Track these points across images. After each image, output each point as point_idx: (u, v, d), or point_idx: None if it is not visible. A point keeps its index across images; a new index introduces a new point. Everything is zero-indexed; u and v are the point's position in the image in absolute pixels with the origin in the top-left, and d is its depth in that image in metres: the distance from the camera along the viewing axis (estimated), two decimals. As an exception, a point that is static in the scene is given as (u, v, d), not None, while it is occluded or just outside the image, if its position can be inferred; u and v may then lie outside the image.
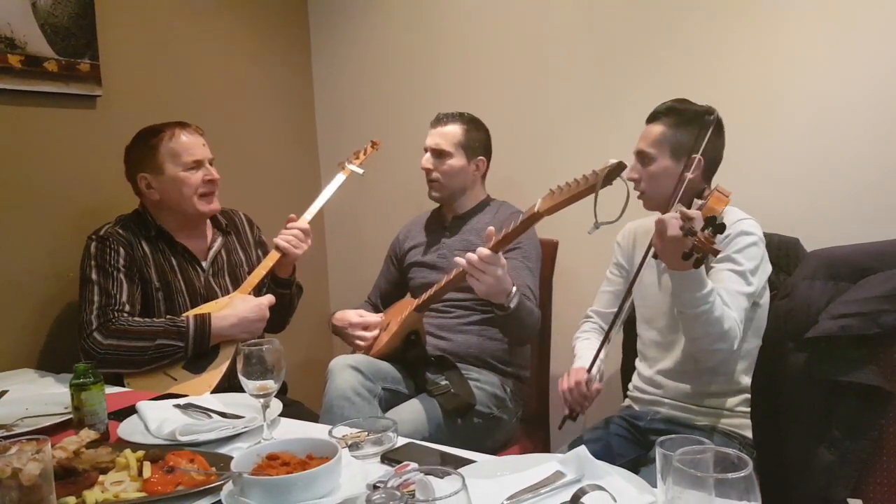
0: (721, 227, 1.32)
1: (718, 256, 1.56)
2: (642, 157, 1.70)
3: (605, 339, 1.77)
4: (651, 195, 1.72)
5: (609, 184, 1.41)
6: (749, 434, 1.61)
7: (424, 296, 1.86)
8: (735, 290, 1.55)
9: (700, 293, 1.46)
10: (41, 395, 1.62)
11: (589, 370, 1.72)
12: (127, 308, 1.79)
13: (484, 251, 1.62)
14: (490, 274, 1.62)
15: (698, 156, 1.61)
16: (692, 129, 1.65)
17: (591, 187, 1.42)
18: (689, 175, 1.60)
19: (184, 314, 1.83)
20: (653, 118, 1.71)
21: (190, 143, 1.88)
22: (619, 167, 1.40)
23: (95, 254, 1.82)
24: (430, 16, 2.60)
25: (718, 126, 1.67)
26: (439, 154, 2.07)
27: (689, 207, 1.49)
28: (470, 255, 1.63)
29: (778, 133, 1.99)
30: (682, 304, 1.51)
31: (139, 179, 1.89)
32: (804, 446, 1.30)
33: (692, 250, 1.32)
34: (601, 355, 1.76)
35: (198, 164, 1.89)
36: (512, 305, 1.72)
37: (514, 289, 1.72)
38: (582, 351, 1.86)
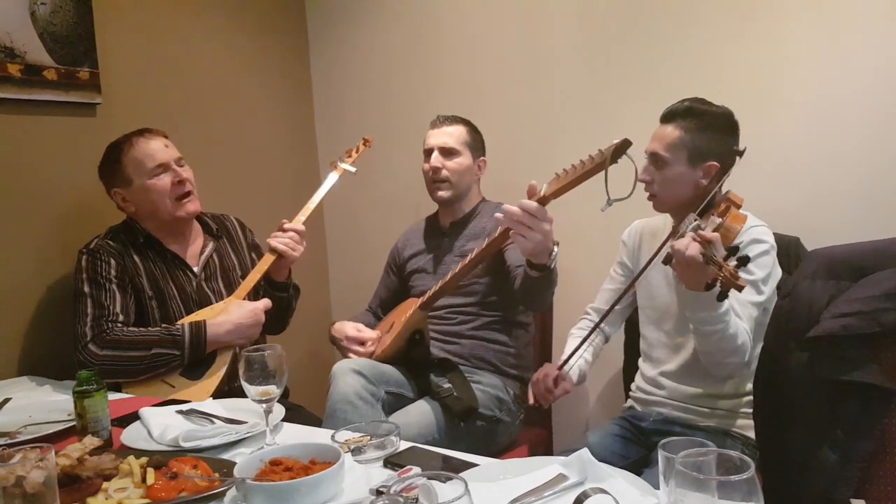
0: (745, 260, 1.23)
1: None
2: (656, 159, 1.65)
3: (586, 339, 1.76)
4: (663, 199, 1.68)
5: (615, 162, 1.39)
6: (752, 434, 1.61)
7: (430, 291, 1.86)
8: (746, 300, 1.54)
9: (716, 312, 1.44)
10: (44, 402, 1.62)
11: (560, 367, 1.72)
12: (121, 318, 1.79)
13: (531, 204, 1.45)
14: (538, 229, 1.46)
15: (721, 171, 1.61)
16: (711, 135, 1.61)
17: (599, 165, 1.40)
18: (714, 188, 1.57)
19: (179, 322, 1.83)
20: (669, 118, 1.65)
21: (151, 149, 1.87)
22: (625, 144, 1.38)
23: (87, 267, 1.82)
24: (428, 17, 2.60)
25: (735, 127, 1.65)
26: (448, 152, 2.07)
27: (699, 213, 1.47)
28: (513, 209, 1.45)
29: (779, 131, 1.99)
30: (696, 322, 1.49)
31: (114, 195, 1.90)
32: (807, 446, 1.29)
33: (715, 281, 1.25)
34: (578, 354, 1.74)
35: (163, 167, 1.87)
36: (553, 265, 1.63)
37: (556, 247, 1.60)
38: (569, 349, 1.86)
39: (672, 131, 1.63)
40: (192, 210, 1.92)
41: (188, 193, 1.91)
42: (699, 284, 1.33)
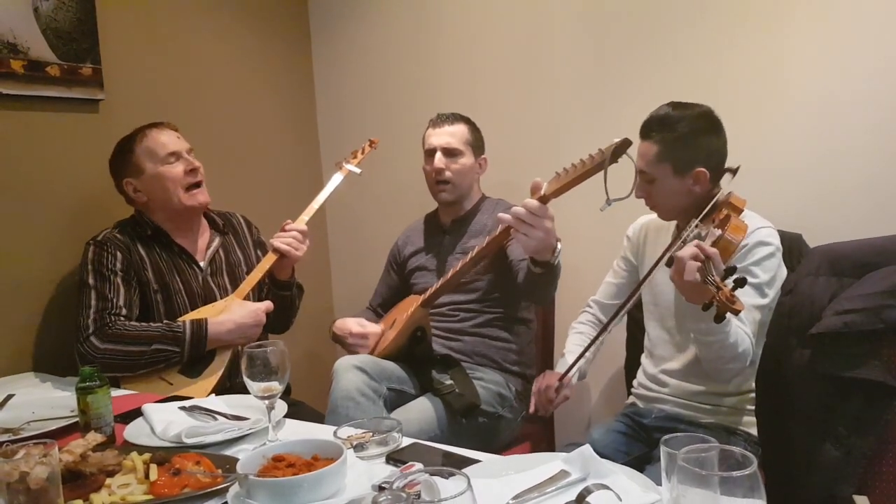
0: (742, 282, 1.22)
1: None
2: (644, 176, 1.65)
3: (593, 342, 1.76)
4: (663, 210, 1.71)
5: (615, 161, 1.39)
6: (754, 431, 1.61)
7: (432, 289, 1.86)
8: (750, 303, 1.52)
9: (716, 324, 1.40)
10: (47, 398, 1.62)
11: (562, 378, 1.72)
12: (124, 312, 1.80)
13: (533, 203, 1.48)
14: (540, 228, 1.48)
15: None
16: (691, 141, 1.60)
17: (599, 165, 1.40)
18: (713, 191, 1.57)
19: (180, 319, 1.83)
20: (646, 133, 1.64)
21: (164, 139, 1.90)
22: (625, 143, 1.38)
23: (93, 258, 1.83)
24: (431, 16, 2.60)
25: (716, 125, 1.64)
26: (451, 153, 2.06)
27: (700, 218, 1.46)
28: (517, 209, 1.48)
29: (781, 128, 1.98)
30: (696, 331, 1.49)
31: (125, 185, 1.91)
32: (809, 443, 1.29)
33: (712, 302, 1.24)
34: (579, 363, 1.75)
35: (175, 156, 1.89)
36: (557, 261, 1.63)
37: (559, 244, 1.60)
38: (570, 349, 1.87)
39: (651, 147, 1.62)
40: (203, 201, 1.94)
41: (199, 183, 1.92)
42: (697, 301, 1.32)
